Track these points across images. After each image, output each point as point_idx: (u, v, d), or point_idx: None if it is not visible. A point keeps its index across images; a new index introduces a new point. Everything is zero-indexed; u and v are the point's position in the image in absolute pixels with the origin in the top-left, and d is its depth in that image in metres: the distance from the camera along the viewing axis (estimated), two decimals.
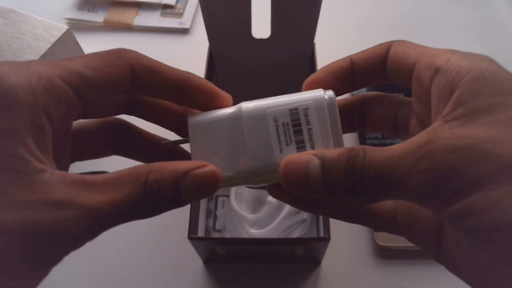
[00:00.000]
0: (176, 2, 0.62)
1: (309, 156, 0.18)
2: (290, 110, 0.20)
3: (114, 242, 0.43)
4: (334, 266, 0.41)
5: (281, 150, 0.20)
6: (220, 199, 0.44)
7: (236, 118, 0.21)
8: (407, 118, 0.22)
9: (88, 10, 0.61)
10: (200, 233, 0.40)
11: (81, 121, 0.22)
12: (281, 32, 0.40)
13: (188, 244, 0.34)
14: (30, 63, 0.18)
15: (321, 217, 0.38)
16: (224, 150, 0.21)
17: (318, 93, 0.20)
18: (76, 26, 0.60)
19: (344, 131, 0.21)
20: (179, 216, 0.41)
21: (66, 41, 0.48)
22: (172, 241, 0.42)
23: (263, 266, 0.41)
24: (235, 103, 0.22)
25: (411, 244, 0.40)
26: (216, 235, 0.42)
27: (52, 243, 0.16)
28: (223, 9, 0.38)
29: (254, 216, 0.41)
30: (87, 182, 0.17)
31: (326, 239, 0.33)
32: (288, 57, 0.43)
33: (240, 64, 0.45)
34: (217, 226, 0.43)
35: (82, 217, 0.16)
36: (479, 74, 0.17)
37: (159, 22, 0.60)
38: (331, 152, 0.18)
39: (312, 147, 0.20)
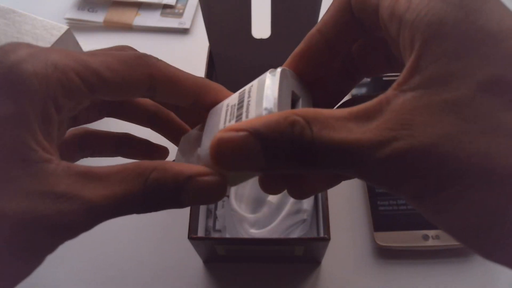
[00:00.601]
0: (176, 2, 0.62)
1: (243, 135, 0.15)
2: (239, 93, 0.20)
3: (114, 242, 0.43)
4: (334, 266, 0.41)
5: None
6: None
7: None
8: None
9: (88, 10, 0.61)
10: (200, 233, 0.40)
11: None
12: (281, 32, 0.40)
13: (188, 244, 0.34)
14: (49, 50, 0.18)
15: (321, 217, 0.38)
16: (191, 150, 0.22)
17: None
18: (76, 26, 0.60)
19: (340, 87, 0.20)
20: (179, 216, 0.42)
21: (66, 41, 0.48)
22: (172, 241, 0.42)
23: (263, 266, 0.41)
24: None
25: (411, 244, 0.41)
26: (216, 235, 0.42)
27: (51, 234, 0.16)
28: (223, 9, 0.38)
29: (254, 216, 0.41)
30: (91, 174, 0.17)
31: (326, 239, 0.33)
32: (288, 57, 0.43)
33: (240, 64, 0.45)
34: (217, 226, 0.43)
35: (83, 210, 0.16)
36: (441, 25, 0.14)
37: (159, 22, 0.60)
38: (266, 123, 0.15)
39: (247, 117, 0.18)
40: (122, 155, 0.27)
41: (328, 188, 0.21)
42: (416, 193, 0.15)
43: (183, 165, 0.18)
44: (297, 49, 0.20)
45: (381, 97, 0.15)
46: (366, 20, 0.18)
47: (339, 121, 0.15)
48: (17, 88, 0.16)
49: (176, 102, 0.22)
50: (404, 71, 0.15)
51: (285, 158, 0.15)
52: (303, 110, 0.16)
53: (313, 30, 0.20)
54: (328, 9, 0.19)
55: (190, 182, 0.18)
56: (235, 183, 0.19)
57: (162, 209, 0.18)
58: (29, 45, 0.18)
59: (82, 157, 0.25)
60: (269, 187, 0.20)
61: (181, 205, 0.18)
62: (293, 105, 0.19)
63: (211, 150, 0.16)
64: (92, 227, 0.17)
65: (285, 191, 0.20)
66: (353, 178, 0.18)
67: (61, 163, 0.17)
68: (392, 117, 0.14)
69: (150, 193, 0.17)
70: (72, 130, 0.24)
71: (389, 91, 0.15)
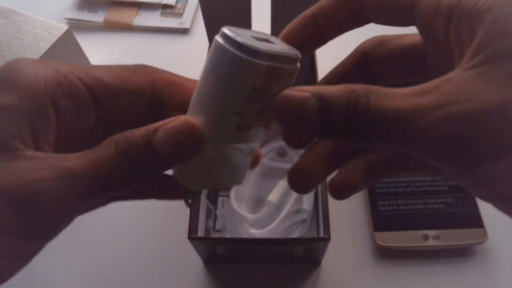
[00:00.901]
0: (176, 2, 0.62)
1: (305, 95, 0.16)
2: None
3: (115, 242, 0.43)
4: (334, 266, 0.41)
5: None
6: (220, 199, 0.44)
7: None
8: (422, 59, 0.20)
9: (88, 10, 0.61)
10: (200, 233, 0.40)
11: None
12: (281, 32, 0.40)
13: (188, 244, 0.34)
14: (51, 60, 0.19)
15: (321, 217, 0.38)
16: None
17: None
18: (76, 26, 0.60)
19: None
20: (179, 216, 0.41)
21: (66, 41, 0.48)
22: (172, 241, 0.42)
23: (263, 266, 0.41)
24: None
25: (411, 244, 0.41)
26: (216, 235, 0.42)
27: (35, 208, 0.16)
28: (223, 9, 0.38)
29: (254, 216, 0.41)
30: (67, 156, 0.17)
31: (326, 239, 0.33)
32: None
33: None
34: (217, 226, 0.43)
35: (60, 177, 0.16)
36: (501, 10, 0.14)
37: (159, 22, 0.60)
38: (330, 90, 0.16)
39: None
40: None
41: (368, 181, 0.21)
42: (465, 163, 0.14)
43: (153, 124, 0.18)
44: (286, 28, 0.21)
45: (442, 78, 0.15)
46: (382, 12, 0.18)
47: (397, 94, 0.15)
48: (13, 84, 0.17)
49: (179, 105, 0.22)
50: (467, 54, 0.15)
51: (338, 123, 0.16)
52: (366, 85, 0.16)
53: (308, 12, 0.20)
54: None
55: (158, 132, 0.18)
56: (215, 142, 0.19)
57: (146, 176, 0.18)
58: (32, 58, 0.19)
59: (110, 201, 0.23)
60: (293, 141, 0.21)
61: (161, 164, 0.18)
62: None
63: (275, 105, 0.17)
64: (80, 201, 0.17)
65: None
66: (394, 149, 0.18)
67: (38, 153, 0.17)
68: (452, 87, 0.14)
69: (123, 154, 0.17)
70: None
71: (451, 72, 0.15)
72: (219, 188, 0.20)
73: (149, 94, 0.20)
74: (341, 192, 0.20)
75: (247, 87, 0.17)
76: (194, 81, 0.21)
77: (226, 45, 0.17)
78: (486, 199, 0.16)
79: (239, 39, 0.17)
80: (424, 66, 0.19)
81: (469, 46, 0.15)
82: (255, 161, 0.23)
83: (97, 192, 0.17)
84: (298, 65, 0.19)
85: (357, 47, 0.21)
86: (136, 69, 0.20)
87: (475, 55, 0.14)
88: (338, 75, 0.21)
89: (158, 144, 0.17)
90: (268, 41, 0.19)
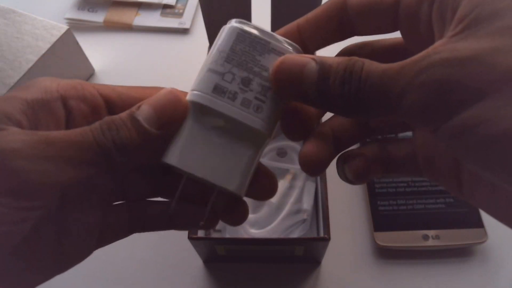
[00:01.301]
0: (176, 2, 0.62)
1: (307, 59, 0.17)
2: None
3: (114, 242, 0.43)
4: (334, 266, 0.41)
5: None
6: None
7: None
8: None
9: (88, 10, 0.61)
10: (200, 233, 0.40)
11: None
12: None
13: (188, 244, 0.34)
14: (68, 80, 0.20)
15: (321, 217, 0.38)
16: None
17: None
18: (76, 26, 0.60)
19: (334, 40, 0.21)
20: None
21: (66, 41, 0.48)
22: (172, 241, 0.42)
23: (263, 266, 0.41)
24: None
25: (411, 244, 0.41)
26: (216, 235, 0.42)
27: (6, 166, 0.16)
28: (223, 9, 0.38)
29: (254, 216, 0.41)
30: (50, 133, 0.17)
31: (326, 239, 0.33)
32: None
33: None
34: (217, 226, 0.43)
35: (37, 140, 0.16)
36: None
37: (159, 22, 0.60)
38: (331, 58, 0.17)
39: None
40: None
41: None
42: (445, 111, 0.15)
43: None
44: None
45: (428, 48, 0.15)
46: (366, 20, 0.19)
47: (390, 64, 0.16)
48: (29, 85, 0.19)
49: None
50: (452, 25, 0.15)
51: (335, 87, 0.16)
52: (366, 60, 0.16)
53: (293, 24, 0.21)
54: (317, 9, 0.20)
55: (142, 106, 0.18)
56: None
57: (134, 152, 0.18)
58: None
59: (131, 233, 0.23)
60: (292, 130, 0.21)
61: (147, 137, 0.18)
62: None
63: (274, 66, 0.18)
64: (58, 164, 0.17)
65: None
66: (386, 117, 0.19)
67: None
68: (435, 46, 0.15)
69: (108, 130, 0.17)
70: None
71: (436, 42, 0.16)
72: (209, 180, 0.19)
73: None
74: (361, 177, 0.20)
75: (226, 48, 0.19)
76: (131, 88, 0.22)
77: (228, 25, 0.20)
78: (462, 155, 0.15)
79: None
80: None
81: (452, 19, 0.15)
82: (268, 188, 0.21)
83: (77, 161, 0.17)
84: (290, 48, 0.20)
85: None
86: (154, 87, 0.21)
87: (458, 24, 0.15)
88: (312, 19, 0.20)
89: (142, 114, 0.18)
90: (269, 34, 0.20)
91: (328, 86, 0.17)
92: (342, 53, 0.21)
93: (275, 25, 0.40)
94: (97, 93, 0.20)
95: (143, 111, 0.18)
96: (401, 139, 0.21)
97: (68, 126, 0.19)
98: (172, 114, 0.18)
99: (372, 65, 0.16)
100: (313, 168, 0.20)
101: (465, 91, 0.14)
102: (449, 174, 0.19)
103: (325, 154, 0.20)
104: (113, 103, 0.20)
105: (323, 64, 0.17)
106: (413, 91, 0.15)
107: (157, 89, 0.21)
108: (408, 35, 0.19)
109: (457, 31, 0.15)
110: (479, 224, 0.40)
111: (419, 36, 0.18)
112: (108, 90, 0.21)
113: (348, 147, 0.21)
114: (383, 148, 0.21)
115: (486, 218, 0.40)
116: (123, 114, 0.18)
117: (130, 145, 0.18)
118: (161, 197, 0.23)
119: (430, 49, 0.15)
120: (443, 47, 0.15)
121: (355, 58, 0.16)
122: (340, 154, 0.21)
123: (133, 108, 0.18)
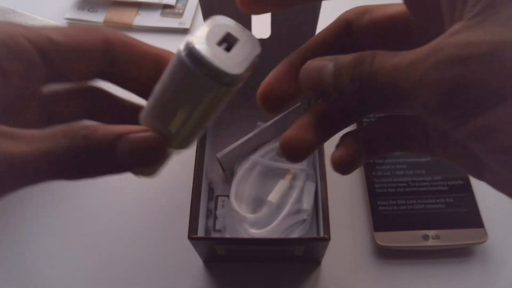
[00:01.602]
0: (176, 2, 0.62)
1: (325, 62, 0.18)
2: None
3: (114, 242, 0.43)
4: (334, 266, 0.41)
5: None
6: (220, 199, 0.44)
7: None
8: (407, 28, 0.20)
9: (88, 10, 0.61)
10: (200, 233, 0.40)
11: (54, 86, 0.21)
12: (281, 32, 0.40)
13: (188, 244, 0.35)
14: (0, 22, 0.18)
15: (321, 217, 0.38)
16: None
17: None
18: (76, 26, 0.60)
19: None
20: (179, 216, 0.42)
21: None
22: (172, 241, 0.42)
23: (263, 266, 0.41)
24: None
25: (411, 244, 0.41)
26: (216, 235, 0.42)
27: None
28: (223, 9, 0.38)
29: (254, 216, 0.41)
30: (15, 134, 0.16)
31: (326, 239, 0.33)
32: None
33: None
34: (217, 226, 0.43)
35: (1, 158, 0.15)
36: None
37: (159, 22, 0.60)
38: (346, 56, 0.17)
39: None
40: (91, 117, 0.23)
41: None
42: (462, 111, 0.14)
43: (117, 126, 0.18)
44: (279, 69, 0.21)
45: (440, 37, 0.14)
46: (373, 34, 0.20)
47: (403, 53, 0.15)
48: None
49: (136, 74, 0.21)
50: (467, 7, 0.14)
51: (347, 85, 0.16)
52: (376, 54, 0.16)
53: (294, 54, 0.21)
54: (317, 35, 0.21)
55: (121, 140, 0.17)
56: (181, 145, 0.19)
57: (98, 174, 0.17)
58: None
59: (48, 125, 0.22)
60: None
61: (119, 168, 0.18)
62: (230, 46, 0.19)
63: (302, 70, 0.18)
64: (17, 186, 0.16)
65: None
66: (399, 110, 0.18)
67: None
68: (450, 35, 0.14)
69: (79, 151, 0.17)
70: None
71: (452, 27, 0.14)
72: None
73: (101, 53, 0.20)
74: (344, 168, 0.20)
75: None
76: (153, 47, 0.21)
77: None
78: (484, 154, 0.14)
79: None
80: (409, 35, 0.19)
81: (465, 1, 0.14)
82: None
83: (38, 177, 0.16)
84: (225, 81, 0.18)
85: (339, 16, 0.21)
86: (89, 29, 0.20)
87: (473, 6, 0.14)
88: (319, 42, 0.21)
89: (122, 154, 0.17)
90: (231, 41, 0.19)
91: (342, 85, 0.17)
92: (338, 21, 0.21)
93: (275, 25, 0.40)
94: (31, 47, 0.18)
95: (122, 147, 0.17)
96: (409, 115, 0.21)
97: (5, 92, 0.18)
98: (148, 160, 0.18)
99: (383, 60, 0.15)
100: (293, 152, 0.19)
101: (484, 92, 0.13)
102: (464, 153, 0.18)
103: (308, 139, 0.20)
104: (49, 56, 0.19)
105: (336, 64, 0.17)
106: (425, 89, 0.14)
107: (93, 30, 0.20)
108: (415, 12, 0.18)
109: (474, 14, 0.13)
110: (479, 224, 0.40)
111: (426, 13, 0.17)
112: (43, 41, 0.18)
113: (339, 131, 0.21)
114: (387, 125, 0.21)
115: (486, 218, 0.40)
116: (101, 141, 0.17)
117: (96, 175, 0.18)
118: (94, 120, 0.23)
119: (441, 38, 0.14)
120: (455, 39, 0.13)
121: (365, 53, 0.16)
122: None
123: (114, 136, 0.17)
